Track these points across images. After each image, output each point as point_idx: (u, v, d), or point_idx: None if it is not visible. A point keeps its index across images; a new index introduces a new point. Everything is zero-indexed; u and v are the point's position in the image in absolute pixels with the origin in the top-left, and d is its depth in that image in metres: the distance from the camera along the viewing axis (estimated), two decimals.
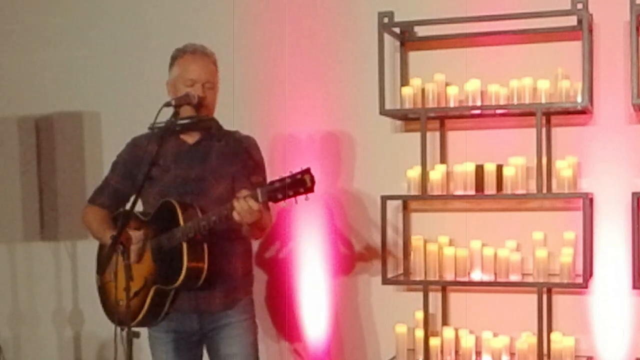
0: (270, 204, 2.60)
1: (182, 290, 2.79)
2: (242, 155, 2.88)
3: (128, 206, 2.78)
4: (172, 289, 2.77)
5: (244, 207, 2.53)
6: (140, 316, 2.79)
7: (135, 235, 2.75)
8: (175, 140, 2.88)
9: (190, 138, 2.90)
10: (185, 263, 2.67)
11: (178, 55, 2.88)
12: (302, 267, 3.98)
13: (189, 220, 2.68)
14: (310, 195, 2.45)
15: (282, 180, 2.43)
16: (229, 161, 2.86)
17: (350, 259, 3.96)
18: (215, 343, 2.90)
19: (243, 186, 2.71)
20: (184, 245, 2.67)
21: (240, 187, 2.73)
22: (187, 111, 2.80)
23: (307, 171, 2.43)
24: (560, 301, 3.62)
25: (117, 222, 2.87)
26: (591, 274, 3.48)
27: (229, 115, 3.05)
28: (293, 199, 2.45)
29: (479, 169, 3.56)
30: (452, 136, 3.80)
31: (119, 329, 2.62)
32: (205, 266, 2.70)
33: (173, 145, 2.88)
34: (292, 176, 2.42)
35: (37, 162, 4.45)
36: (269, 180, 2.61)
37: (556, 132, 3.63)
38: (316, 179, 2.44)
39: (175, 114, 2.75)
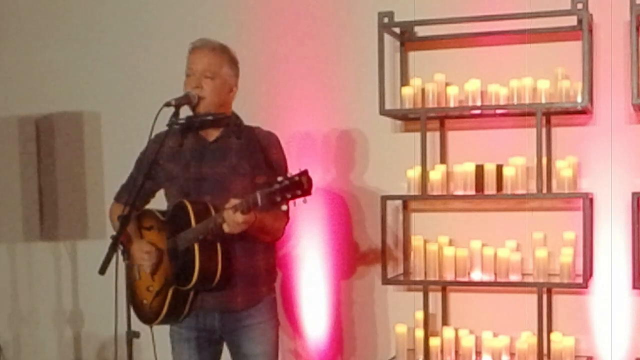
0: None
1: (200, 291, 2.79)
2: (259, 154, 2.83)
3: (128, 207, 2.77)
4: (189, 290, 2.77)
5: (231, 218, 2.53)
6: (162, 315, 2.81)
7: (146, 256, 2.78)
8: (194, 137, 2.87)
9: (210, 135, 2.87)
10: (198, 265, 2.67)
11: (188, 52, 2.86)
12: (302, 267, 3.98)
13: (200, 220, 2.68)
14: (308, 198, 2.42)
15: (280, 182, 2.40)
16: (247, 159, 2.82)
17: (350, 259, 3.96)
18: (238, 342, 2.89)
19: (259, 185, 2.69)
20: (196, 247, 2.67)
21: (261, 180, 2.71)
22: (203, 108, 2.79)
23: (304, 173, 2.40)
24: (560, 301, 3.62)
25: (139, 220, 2.89)
26: (591, 274, 3.48)
27: None
28: (292, 202, 2.42)
29: (479, 169, 3.56)
30: (452, 136, 3.80)
31: (118, 329, 2.63)
32: (219, 267, 2.70)
33: (192, 142, 2.87)
34: (290, 178, 2.40)
35: (37, 162, 4.45)
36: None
37: (556, 132, 3.63)
38: (316, 178, 2.44)
39: (176, 114, 2.75)
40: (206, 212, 2.70)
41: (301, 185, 2.39)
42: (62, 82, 4.40)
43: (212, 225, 2.62)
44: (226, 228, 2.57)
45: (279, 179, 2.41)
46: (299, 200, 2.44)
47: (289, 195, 2.39)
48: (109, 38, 4.33)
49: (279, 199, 2.40)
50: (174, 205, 2.80)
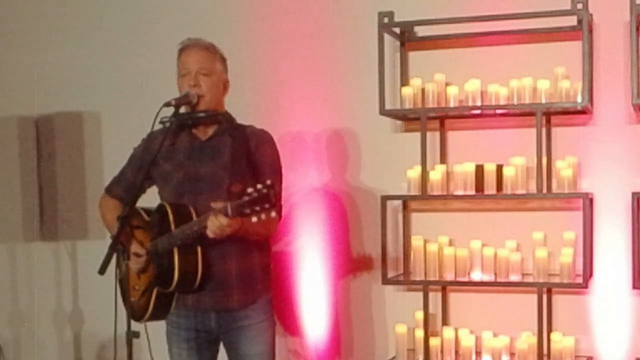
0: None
1: (182, 293, 2.81)
2: (250, 153, 2.85)
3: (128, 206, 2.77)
4: (171, 292, 2.79)
5: (215, 223, 2.54)
6: (148, 314, 2.85)
7: (135, 259, 2.79)
8: (187, 136, 2.88)
9: (203, 133, 2.88)
10: (177, 269, 2.69)
11: (179, 53, 2.88)
12: (302, 267, 3.97)
13: (180, 225, 2.69)
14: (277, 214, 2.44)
15: (249, 194, 2.41)
16: (239, 158, 2.83)
17: (350, 258, 3.96)
18: (234, 343, 2.91)
19: (239, 189, 2.70)
20: (176, 251, 2.69)
21: (237, 189, 2.72)
22: (203, 106, 2.81)
23: (272, 187, 2.41)
24: (560, 301, 3.62)
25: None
26: (591, 274, 3.48)
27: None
28: (265, 215, 2.42)
29: (479, 169, 3.55)
30: (452, 136, 3.80)
31: (118, 329, 2.63)
32: (200, 270, 2.72)
33: (185, 140, 2.88)
34: (258, 191, 2.40)
35: (37, 162, 4.45)
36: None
37: (556, 132, 3.63)
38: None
39: (175, 114, 2.75)
40: (187, 217, 2.71)
41: (268, 199, 2.39)
42: (62, 82, 4.40)
43: (195, 228, 2.63)
44: (210, 234, 2.58)
45: (249, 190, 2.41)
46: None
47: (257, 208, 2.40)
48: (109, 38, 4.33)
49: (247, 211, 2.41)
50: (156, 208, 2.81)
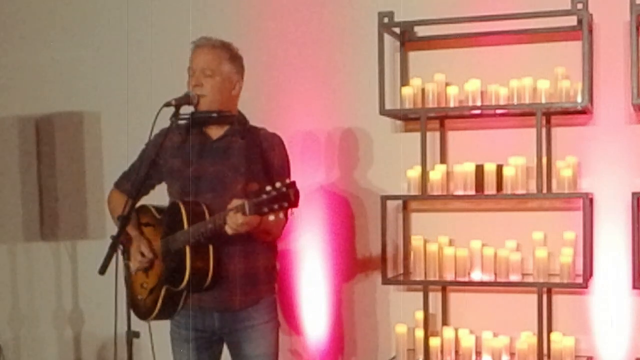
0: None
1: (192, 292, 2.80)
2: (260, 156, 2.84)
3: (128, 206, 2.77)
4: (180, 291, 2.78)
5: (233, 220, 2.54)
6: (155, 312, 2.83)
7: (139, 258, 2.79)
8: (198, 135, 2.87)
9: (214, 133, 2.87)
10: (189, 267, 2.68)
11: (191, 50, 2.87)
12: (302, 267, 3.98)
13: (193, 223, 2.68)
14: (295, 210, 2.44)
15: (267, 193, 2.41)
16: (249, 160, 2.82)
17: (350, 258, 3.96)
18: (238, 344, 2.90)
19: (256, 188, 2.70)
20: (187, 249, 2.68)
21: (254, 188, 2.72)
22: (204, 106, 2.79)
23: (292, 185, 2.41)
24: (560, 301, 3.62)
25: (137, 214, 2.89)
26: (591, 274, 3.48)
27: None
28: (283, 213, 2.43)
29: (479, 169, 3.56)
30: (452, 136, 3.80)
31: (118, 329, 2.63)
32: (211, 269, 2.71)
33: (195, 139, 2.87)
34: (277, 189, 2.40)
35: (37, 162, 4.45)
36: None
37: (556, 132, 3.63)
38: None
39: (176, 114, 2.75)
40: (200, 216, 2.70)
41: (288, 197, 2.40)
42: (62, 82, 4.40)
43: (210, 226, 2.63)
44: (229, 230, 2.57)
45: (267, 188, 2.41)
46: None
47: (275, 207, 2.40)
48: (108, 38, 4.33)
49: (266, 209, 2.42)
50: (168, 205, 2.81)
